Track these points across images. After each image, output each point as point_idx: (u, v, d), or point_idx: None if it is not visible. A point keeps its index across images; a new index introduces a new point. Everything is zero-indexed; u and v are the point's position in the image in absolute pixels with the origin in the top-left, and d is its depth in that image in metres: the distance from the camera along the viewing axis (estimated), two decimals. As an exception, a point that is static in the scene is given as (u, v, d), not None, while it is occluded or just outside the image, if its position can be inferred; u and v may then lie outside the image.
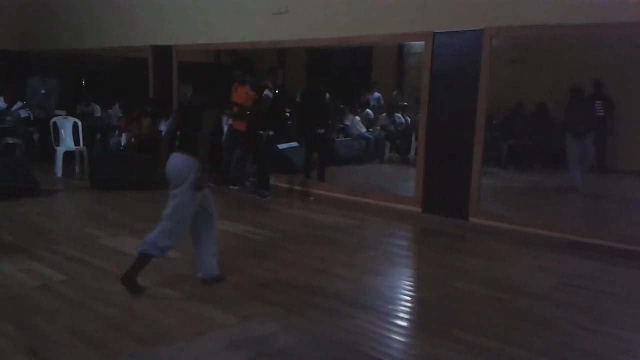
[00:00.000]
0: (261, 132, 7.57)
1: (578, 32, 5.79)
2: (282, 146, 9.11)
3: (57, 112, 10.04)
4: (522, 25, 5.89)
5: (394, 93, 12.51)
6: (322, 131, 8.43)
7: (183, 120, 4.33)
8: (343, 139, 11.18)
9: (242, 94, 7.91)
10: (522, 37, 6.29)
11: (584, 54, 7.95)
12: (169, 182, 4.14)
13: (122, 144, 9.31)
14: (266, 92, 7.52)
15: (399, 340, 3.60)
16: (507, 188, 8.58)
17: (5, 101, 10.37)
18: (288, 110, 9.86)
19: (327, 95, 8.76)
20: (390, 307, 4.10)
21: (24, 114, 10.54)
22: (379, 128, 11.65)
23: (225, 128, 8.46)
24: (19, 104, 10.28)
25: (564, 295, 4.41)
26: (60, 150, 9.05)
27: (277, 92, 7.74)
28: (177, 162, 4.09)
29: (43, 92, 10.01)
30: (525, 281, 4.70)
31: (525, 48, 7.91)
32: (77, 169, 9.30)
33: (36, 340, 3.40)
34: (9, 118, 10.11)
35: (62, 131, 9.29)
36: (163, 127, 8.95)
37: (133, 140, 9.07)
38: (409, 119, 11.54)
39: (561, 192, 8.26)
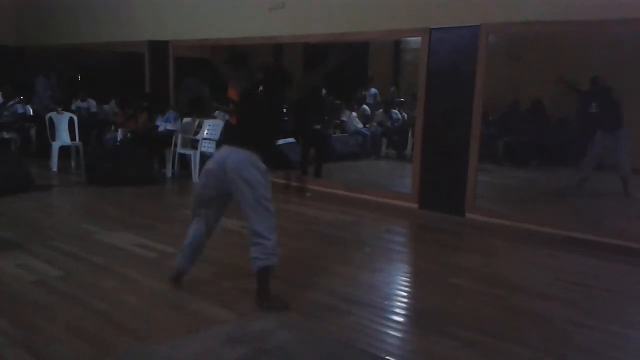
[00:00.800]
0: None
1: (574, 28, 5.79)
2: (278, 142, 9.10)
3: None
4: (518, 21, 5.89)
5: (391, 89, 12.52)
6: (318, 127, 8.42)
7: None
8: (339, 134, 11.18)
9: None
10: (519, 33, 6.29)
11: (581, 51, 7.96)
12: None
13: (118, 139, 9.29)
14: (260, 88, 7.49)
15: (395, 336, 3.61)
16: (503, 184, 8.59)
17: (2, 96, 10.37)
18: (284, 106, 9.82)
19: (323, 91, 8.76)
20: (387, 303, 4.11)
21: (20, 108, 10.53)
22: (375, 124, 11.65)
23: (222, 123, 8.45)
24: (16, 99, 10.28)
25: (560, 291, 4.42)
26: (56, 145, 9.03)
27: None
28: None
29: (48, 92, 10.06)
30: (521, 277, 4.72)
31: (522, 44, 7.91)
32: (73, 164, 9.28)
33: (32, 335, 3.40)
34: (5, 113, 10.10)
35: (58, 126, 9.27)
36: (159, 122, 8.94)
37: (129, 135, 9.05)
38: (405, 115, 11.54)
39: (557, 188, 8.28)
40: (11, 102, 10.42)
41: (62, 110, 9.72)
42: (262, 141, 3.89)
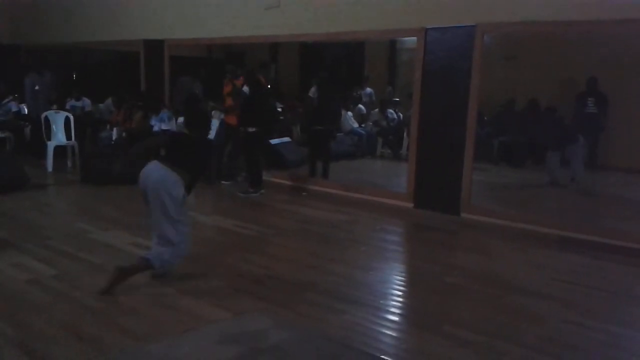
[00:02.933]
0: (242, 128, 7.53)
1: (570, 28, 5.80)
2: (274, 141, 9.10)
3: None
4: (514, 21, 5.90)
5: (388, 89, 12.52)
6: (321, 127, 8.43)
7: None
8: (337, 134, 11.17)
9: (238, 86, 7.85)
10: (514, 33, 6.31)
11: (576, 51, 7.98)
12: None
13: (113, 138, 9.27)
14: (244, 87, 7.49)
15: (390, 335, 3.62)
16: (498, 184, 8.61)
17: None
18: (280, 105, 9.84)
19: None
20: (382, 302, 4.11)
21: (14, 107, 10.50)
22: (371, 123, 11.65)
23: (217, 123, 8.44)
24: (9, 97, 10.24)
25: (554, 291, 4.44)
26: (51, 145, 9.00)
27: (269, 86, 7.72)
28: None
29: (37, 87, 10.01)
30: (516, 276, 4.73)
31: (517, 44, 7.93)
32: (69, 164, 9.26)
33: (27, 334, 3.39)
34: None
35: (53, 125, 9.24)
36: (154, 122, 8.92)
37: (124, 134, 9.04)
38: (401, 115, 11.55)
39: (551, 188, 8.30)
40: (5, 101, 10.39)
41: (57, 109, 9.70)
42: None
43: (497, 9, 5.98)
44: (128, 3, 10.12)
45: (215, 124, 8.59)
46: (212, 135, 8.37)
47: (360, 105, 11.97)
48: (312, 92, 9.61)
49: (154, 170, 4.17)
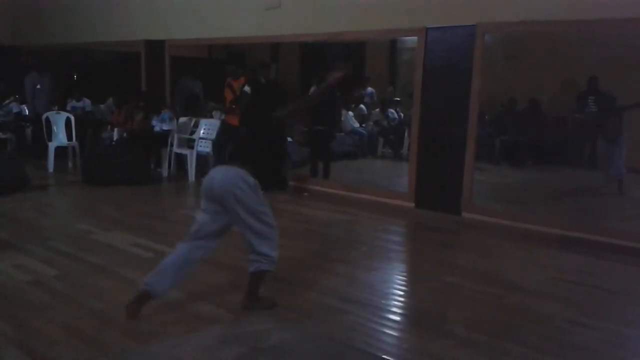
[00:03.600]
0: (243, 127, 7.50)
1: (571, 28, 5.80)
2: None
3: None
4: (514, 20, 5.89)
5: (389, 89, 12.51)
6: (322, 128, 8.42)
7: None
8: (336, 134, 11.17)
9: (236, 88, 7.85)
10: (515, 32, 6.30)
11: (577, 50, 7.97)
12: None
13: (114, 139, 9.28)
14: (245, 87, 7.47)
15: (392, 335, 3.61)
16: (500, 183, 8.60)
17: None
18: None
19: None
20: (383, 301, 4.11)
21: (15, 108, 10.50)
22: (371, 123, 11.65)
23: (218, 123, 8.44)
24: (11, 98, 10.25)
25: (556, 290, 4.43)
26: (52, 145, 9.00)
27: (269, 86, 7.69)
28: None
29: (38, 86, 10.00)
30: (518, 276, 4.72)
31: (518, 44, 7.91)
32: (70, 164, 9.26)
33: (28, 335, 3.38)
34: (0, 112, 10.08)
35: (54, 126, 9.25)
36: (155, 122, 8.92)
37: (125, 135, 9.04)
38: (402, 114, 11.54)
39: (553, 187, 8.29)
40: (6, 102, 10.39)
41: (58, 110, 9.70)
42: (253, 157, 3.68)
43: (498, 9, 5.98)
44: (129, 4, 10.12)
45: (215, 124, 8.61)
46: (213, 135, 8.40)
47: (362, 105, 11.97)
48: (312, 91, 9.59)
49: None
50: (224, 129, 8.17)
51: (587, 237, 5.56)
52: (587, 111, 7.86)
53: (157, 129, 8.89)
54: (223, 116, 8.22)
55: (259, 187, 3.58)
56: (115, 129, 9.34)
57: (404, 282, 4.69)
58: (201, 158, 8.56)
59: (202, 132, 8.70)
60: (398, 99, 11.93)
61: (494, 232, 6.00)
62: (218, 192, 3.54)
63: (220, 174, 3.61)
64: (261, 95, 4.13)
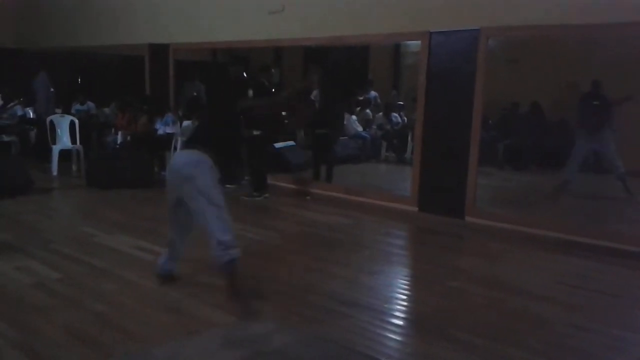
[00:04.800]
0: (247, 131, 7.49)
1: (574, 32, 5.80)
2: (278, 145, 9.10)
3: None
4: (518, 25, 5.89)
5: (393, 93, 12.52)
6: (324, 131, 8.43)
7: None
8: (340, 137, 11.18)
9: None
10: (518, 37, 6.30)
11: (580, 54, 7.96)
12: None
13: (118, 142, 9.30)
14: (249, 91, 7.46)
15: (394, 339, 3.61)
16: (503, 187, 8.59)
17: (2, 98, 10.38)
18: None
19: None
20: (386, 306, 4.10)
21: (19, 111, 10.54)
22: (375, 127, 11.66)
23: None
24: (15, 101, 10.29)
25: (560, 295, 4.42)
26: (56, 149, 9.03)
27: (273, 90, 7.70)
28: None
29: (52, 90, 10.10)
30: (521, 280, 4.71)
31: (521, 48, 7.92)
32: (74, 167, 9.28)
33: (31, 338, 3.39)
34: (5, 115, 10.11)
35: (58, 129, 9.27)
36: (158, 126, 8.94)
37: (128, 138, 9.06)
38: (405, 118, 11.55)
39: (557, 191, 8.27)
40: (10, 104, 10.43)
41: (62, 113, 9.74)
42: (212, 142, 3.91)
43: (501, 13, 5.98)
44: (133, 8, 10.16)
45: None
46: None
47: (368, 110, 11.98)
48: (314, 95, 9.61)
49: None
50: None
51: (590, 241, 5.54)
52: (591, 112, 7.85)
53: (160, 132, 8.91)
54: None
55: (215, 171, 3.82)
56: (119, 132, 9.36)
57: (406, 286, 4.68)
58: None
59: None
60: (402, 103, 11.94)
61: (498, 236, 5.98)
62: (175, 171, 3.86)
63: (180, 156, 3.96)
64: (227, 85, 4.34)
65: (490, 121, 8.98)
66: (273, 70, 8.43)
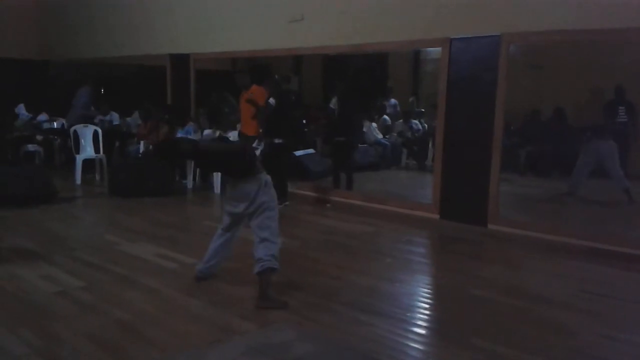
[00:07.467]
0: (268, 139, 7.52)
1: (596, 36, 5.73)
2: (298, 153, 9.12)
3: None
4: (539, 30, 5.85)
5: (410, 99, 12.49)
6: (347, 138, 8.45)
7: None
8: (359, 145, 11.16)
9: (259, 96, 7.72)
10: (540, 42, 6.25)
11: (603, 59, 7.87)
12: None
13: (140, 152, 9.39)
14: (270, 99, 7.47)
15: (416, 348, 3.58)
16: (525, 195, 8.50)
17: (27, 109, 10.57)
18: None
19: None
20: (408, 314, 4.08)
21: (46, 123, 10.73)
22: (395, 134, 11.63)
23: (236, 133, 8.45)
24: (44, 115, 10.50)
25: (583, 303, 4.36)
26: (80, 158, 9.15)
27: (293, 98, 7.71)
28: None
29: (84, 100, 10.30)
30: (544, 288, 4.65)
31: (542, 53, 7.85)
32: (97, 177, 9.39)
33: (54, 345, 3.42)
34: (33, 122, 10.32)
35: (82, 139, 9.40)
36: (180, 134, 9.00)
37: (150, 147, 9.14)
38: (426, 125, 11.51)
39: (579, 198, 8.16)
40: (40, 118, 10.64)
41: (86, 123, 9.88)
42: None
43: (522, 19, 5.94)
44: (153, 19, 10.28)
45: (234, 134, 8.64)
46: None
47: (386, 116, 11.96)
48: (333, 103, 9.61)
49: None
50: (241, 139, 8.16)
51: (614, 249, 5.46)
52: (617, 120, 7.75)
53: (182, 141, 8.96)
54: (239, 126, 8.19)
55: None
56: (141, 142, 9.46)
57: (428, 295, 4.65)
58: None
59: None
60: (422, 109, 11.90)
61: (520, 244, 5.92)
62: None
63: None
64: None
65: (511, 127, 8.90)
66: (291, 77, 8.42)
